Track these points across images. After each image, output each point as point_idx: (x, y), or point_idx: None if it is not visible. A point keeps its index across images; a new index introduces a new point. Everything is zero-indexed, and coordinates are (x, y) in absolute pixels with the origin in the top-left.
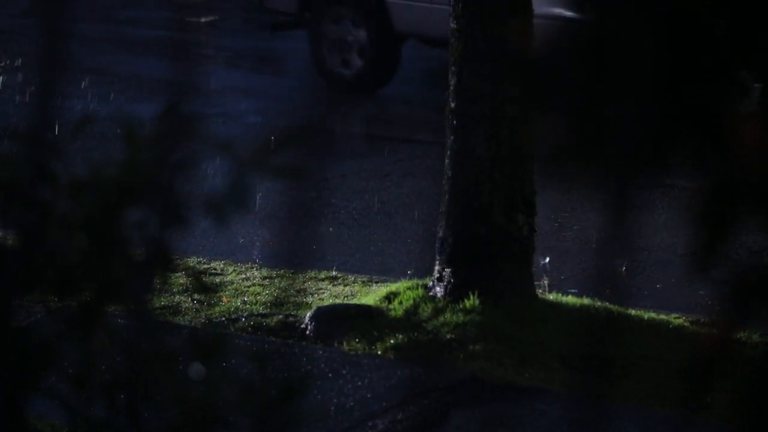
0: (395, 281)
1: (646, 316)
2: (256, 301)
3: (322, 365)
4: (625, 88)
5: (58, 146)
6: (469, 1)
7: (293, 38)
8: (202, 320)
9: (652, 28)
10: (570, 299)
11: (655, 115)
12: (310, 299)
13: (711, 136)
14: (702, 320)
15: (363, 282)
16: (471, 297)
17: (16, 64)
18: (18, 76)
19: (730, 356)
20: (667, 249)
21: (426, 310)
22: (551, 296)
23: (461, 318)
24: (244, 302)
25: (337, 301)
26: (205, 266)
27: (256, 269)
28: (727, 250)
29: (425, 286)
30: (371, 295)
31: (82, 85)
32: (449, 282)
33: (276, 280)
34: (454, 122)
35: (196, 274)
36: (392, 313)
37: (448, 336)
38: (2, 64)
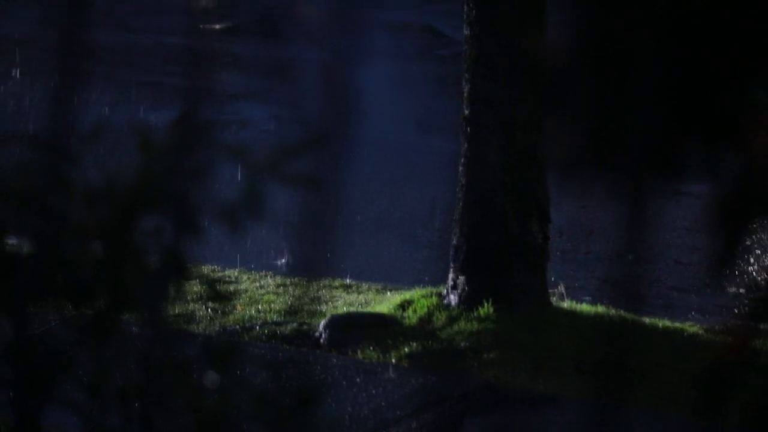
0: (409, 289)
1: (660, 324)
2: (271, 310)
3: (337, 373)
4: (638, 94)
5: (73, 154)
6: (483, 8)
7: (307, 46)
8: (217, 328)
9: (665, 35)
10: (584, 307)
11: (669, 121)
12: (324, 307)
13: (726, 142)
14: (717, 327)
15: (377, 290)
16: (485, 305)
17: (30, 73)
18: (32, 85)
19: (745, 363)
20: (681, 256)
21: (440, 318)
22: (565, 304)
23: (475, 326)
24: (258, 310)
25: (351, 309)
26: (220, 274)
27: (270, 277)
28: (742, 258)
29: (439, 294)
30: (385, 303)
31: (97, 93)
32: (463, 290)
33: (290, 289)
34: (468, 129)
35: (210, 283)
36: (406, 321)
37: (462, 344)
38: (16, 72)
